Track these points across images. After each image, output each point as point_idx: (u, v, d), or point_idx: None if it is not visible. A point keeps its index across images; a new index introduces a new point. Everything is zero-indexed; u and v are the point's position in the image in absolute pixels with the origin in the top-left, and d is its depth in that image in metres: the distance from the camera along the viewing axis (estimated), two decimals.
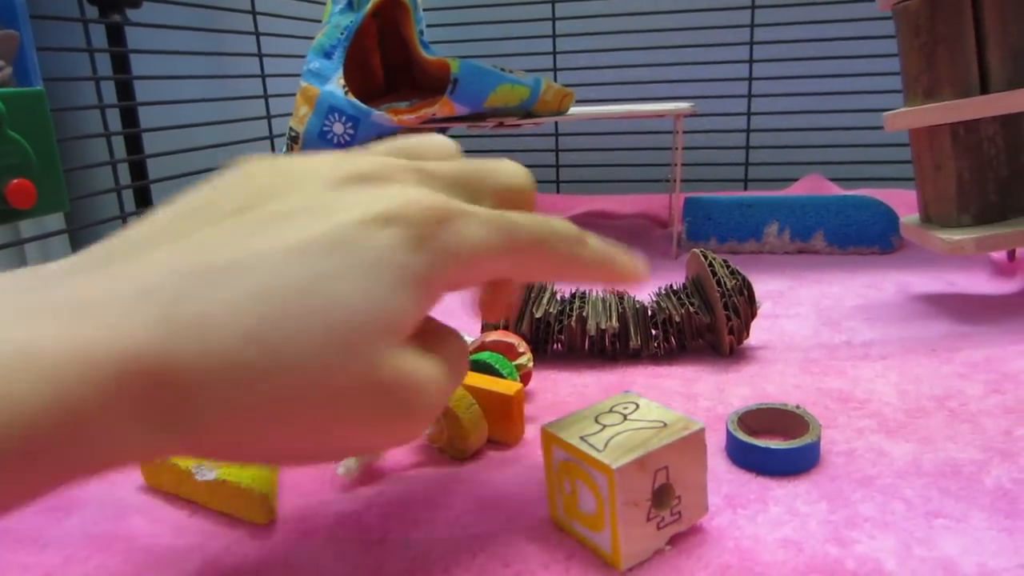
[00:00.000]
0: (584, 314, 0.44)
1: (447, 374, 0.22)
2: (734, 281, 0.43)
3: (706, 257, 0.44)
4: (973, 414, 0.36)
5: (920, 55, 0.50)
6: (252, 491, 0.29)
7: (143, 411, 0.17)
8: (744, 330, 0.44)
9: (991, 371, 0.40)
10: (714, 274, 0.43)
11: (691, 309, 0.43)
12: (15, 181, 0.44)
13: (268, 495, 0.29)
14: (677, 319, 0.43)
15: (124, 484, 0.33)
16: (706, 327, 0.44)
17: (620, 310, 0.44)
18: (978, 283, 0.59)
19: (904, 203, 0.77)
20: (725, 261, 0.44)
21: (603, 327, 0.43)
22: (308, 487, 0.32)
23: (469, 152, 0.36)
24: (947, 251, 0.49)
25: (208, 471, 0.30)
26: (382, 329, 0.20)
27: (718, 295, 0.42)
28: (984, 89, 0.49)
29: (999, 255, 0.62)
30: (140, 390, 0.17)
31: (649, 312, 0.44)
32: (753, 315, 0.44)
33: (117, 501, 0.32)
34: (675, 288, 0.46)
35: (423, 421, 0.21)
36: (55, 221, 1.16)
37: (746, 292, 0.43)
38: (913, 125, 0.51)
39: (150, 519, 0.30)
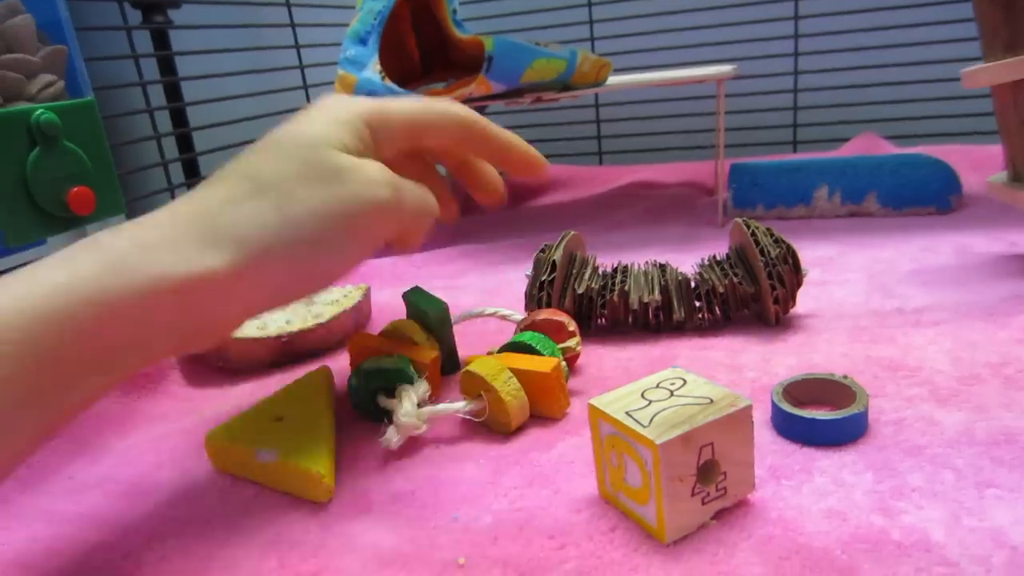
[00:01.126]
0: (626, 288, 0.44)
1: (390, 175, 0.32)
2: (778, 249, 0.42)
3: (748, 226, 0.44)
4: None
5: (998, 7, 0.48)
6: (311, 471, 0.31)
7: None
8: (790, 299, 0.43)
9: None
10: (757, 243, 0.42)
11: (735, 280, 0.43)
12: (75, 189, 0.46)
13: (326, 475, 0.31)
14: (721, 290, 0.43)
15: (194, 468, 0.35)
16: (751, 297, 0.44)
17: (663, 283, 0.44)
18: None
19: (966, 160, 0.75)
20: (769, 229, 0.44)
21: (646, 300, 0.44)
22: (364, 468, 0.33)
23: (508, 128, 0.37)
24: None
25: (269, 453, 0.32)
26: (326, 144, 0.31)
27: (761, 265, 0.42)
28: None
29: None
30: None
31: (692, 284, 0.44)
32: (799, 283, 0.43)
33: (189, 484, 0.34)
34: (718, 259, 0.46)
35: (371, 194, 0.31)
36: (114, 224, 1.21)
37: (791, 260, 0.42)
38: (995, 81, 0.48)
39: (221, 500, 0.32)
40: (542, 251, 0.45)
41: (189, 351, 0.31)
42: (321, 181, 0.30)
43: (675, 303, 0.44)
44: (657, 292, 0.44)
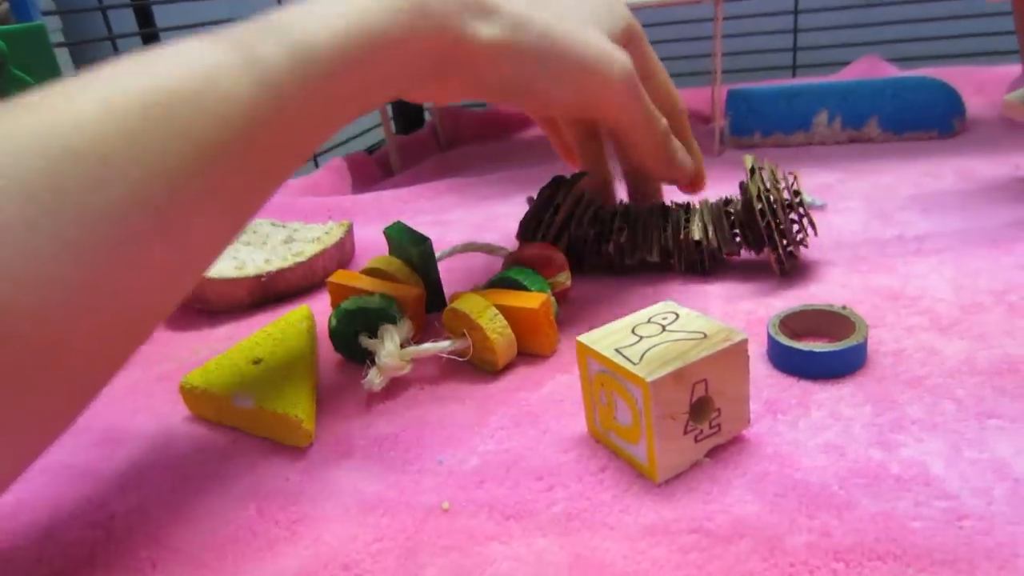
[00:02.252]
0: (624, 239, 0.41)
1: (633, 67, 0.36)
2: (785, 213, 0.38)
3: (754, 180, 0.39)
4: None
5: None
6: (290, 416, 0.30)
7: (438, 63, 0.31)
8: (796, 254, 0.40)
9: None
10: (764, 215, 0.38)
11: (736, 239, 0.41)
12: None
13: (305, 419, 0.30)
14: (726, 251, 0.41)
15: (170, 415, 0.34)
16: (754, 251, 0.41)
17: (663, 243, 0.41)
18: None
19: (970, 82, 0.72)
20: (774, 173, 0.40)
21: (650, 260, 0.41)
22: (345, 411, 0.32)
23: None
24: None
25: (246, 398, 0.31)
26: (595, 26, 0.36)
27: (777, 236, 0.38)
28: None
29: None
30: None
31: (697, 237, 0.40)
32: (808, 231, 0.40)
33: (165, 432, 0.33)
34: (727, 209, 0.41)
35: (616, 73, 0.35)
36: None
37: (802, 213, 0.39)
38: None
39: (196, 448, 0.31)
40: (554, 186, 0.42)
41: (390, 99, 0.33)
42: (584, 26, 0.35)
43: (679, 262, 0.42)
44: (656, 252, 0.41)
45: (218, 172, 0.24)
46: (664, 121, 0.39)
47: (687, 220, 0.41)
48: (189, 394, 0.33)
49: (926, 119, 0.66)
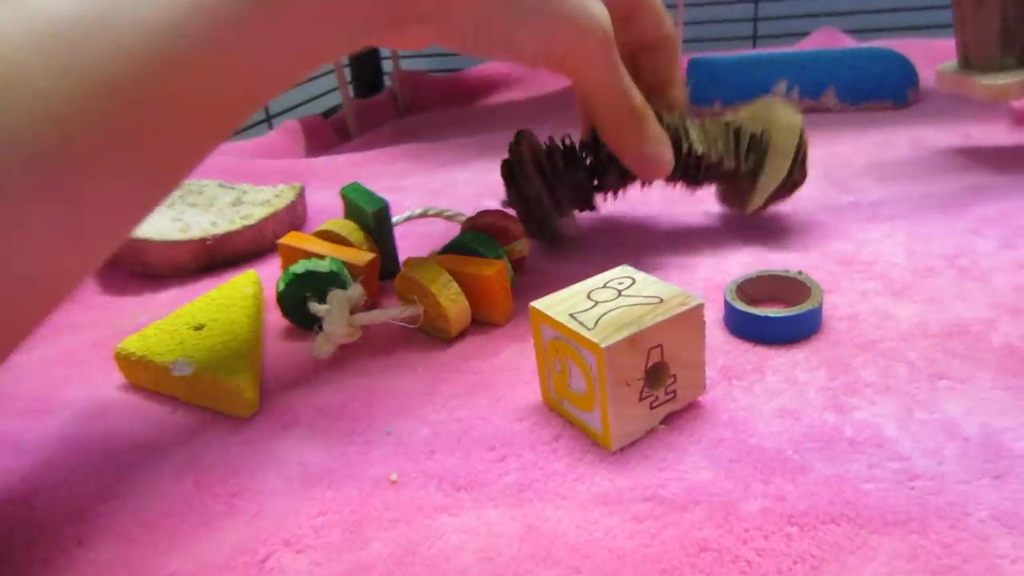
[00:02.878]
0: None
1: (610, 26, 0.32)
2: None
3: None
4: (984, 271, 0.34)
5: None
6: (231, 385, 0.28)
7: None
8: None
9: (1004, 226, 0.38)
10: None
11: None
12: None
13: (247, 388, 0.29)
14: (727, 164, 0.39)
15: (103, 384, 0.32)
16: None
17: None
18: (997, 134, 0.55)
19: (925, 53, 0.72)
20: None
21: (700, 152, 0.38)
22: (291, 379, 0.31)
23: None
24: (990, 97, 0.46)
25: (185, 366, 0.30)
26: None
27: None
28: None
29: (1020, 103, 0.58)
30: None
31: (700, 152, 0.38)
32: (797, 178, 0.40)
33: (96, 401, 0.31)
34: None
35: (592, 27, 0.31)
36: None
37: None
38: None
39: (130, 418, 0.30)
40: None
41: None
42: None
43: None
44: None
45: (125, 119, 0.21)
46: (642, 100, 0.35)
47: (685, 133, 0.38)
48: (125, 361, 0.31)
49: (881, 89, 0.66)
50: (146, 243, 0.42)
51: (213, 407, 0.30)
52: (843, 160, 0.53)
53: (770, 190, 0.38)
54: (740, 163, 0.39)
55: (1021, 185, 0.44)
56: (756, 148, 0.39)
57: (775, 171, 0.38)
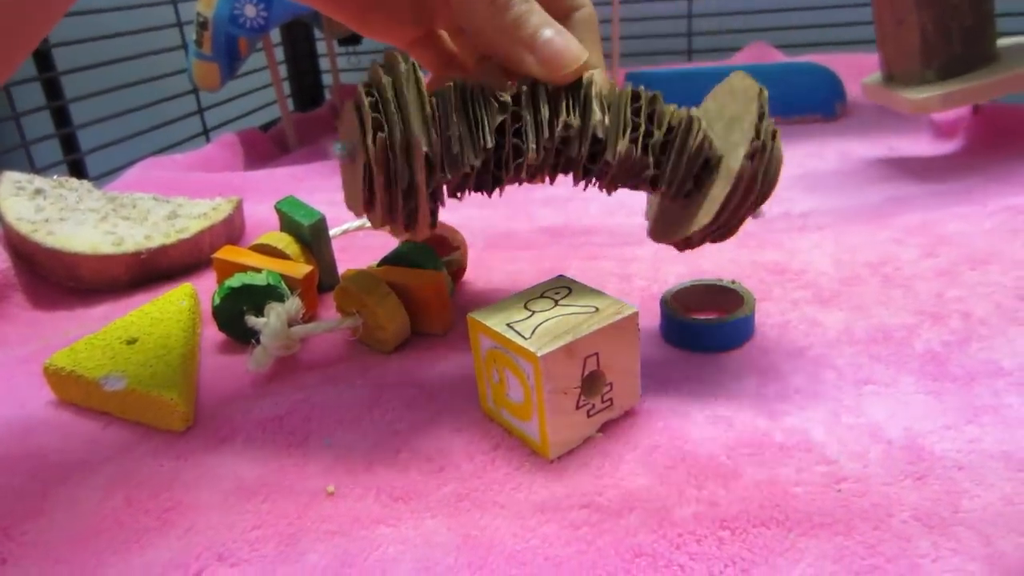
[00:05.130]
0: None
1: None
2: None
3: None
4: (907, 279, 0.36)
5: None
6: (164, 398, 0.28)
7: None
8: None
9: (926, 234, 0.40)
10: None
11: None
12: None
13: (181, 401, 0.28)
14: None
15: (32, 400, 0.31)
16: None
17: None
18: (919, 146, 0.58)
19: (851, 67, 0.75)
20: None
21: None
22: (228, 393, 0.31)
23: None
24: (913, 110, 0.48)
25: (117, 380, 0.29)
26: None
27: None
28: None
29: (940, 116, 0.61)
30: None
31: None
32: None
33: (25, 417, 0.30)
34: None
35: None
36: None
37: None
38: None
39: (60, 435, 0.29)
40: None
41: None
42: None
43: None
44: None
45: None
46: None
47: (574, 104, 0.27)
48: (54, 376, 0.30)
49: (810, 103, 0.68)
50: (78, 257, 0.41)
51: (147, 422, 0.29)
52: None
53: (700, 221, 0.27)
54: (663, 172, 0.27)
55: (941, 195, 0.46)
56: (684, 155, 0.27)
57: (711, 197, 0.27)
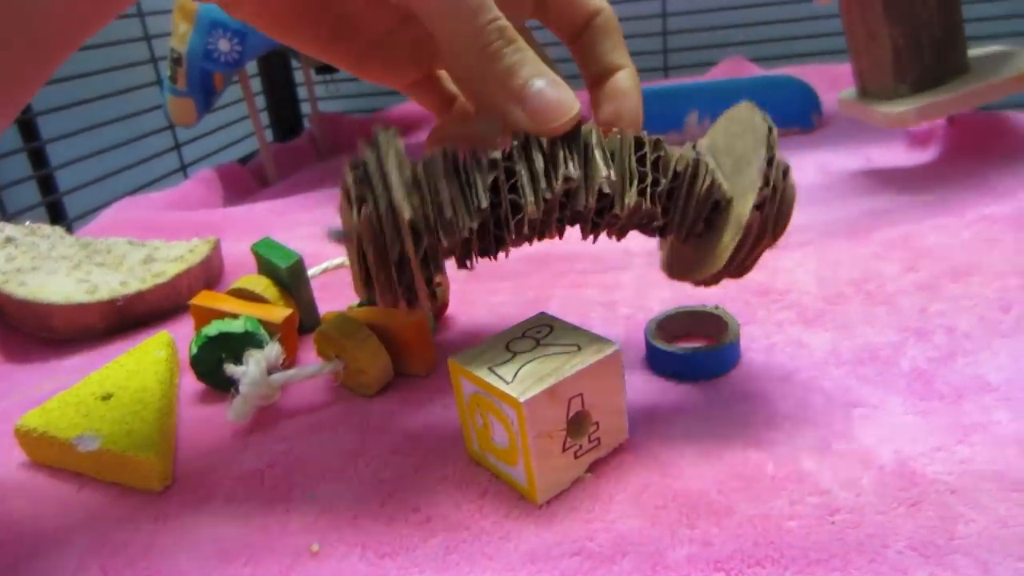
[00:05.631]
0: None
1: None
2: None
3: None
4: (889, 295, 0.35)
5: None
6: (140, 458, 0.27)
7: None
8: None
9: (907, 248, 0.40)
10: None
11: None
12: None
13: (159, 460, 0.27)
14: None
15: (5, 462, 0.30)
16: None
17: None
18: (896, 156, 0.58)
19: (827, 79, 0.76)
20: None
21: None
22: (208, 447, 0.30)
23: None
24: (889, 124, 0.48)
25: (91, 440, 0.28)
26: None
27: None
28: None
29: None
30: None
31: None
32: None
33: None
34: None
35: None
36: None
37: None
38: None
39: (33, 499, 0.28)
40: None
41: None
42: None
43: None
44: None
45: None
46: (495, 15, 0.25)
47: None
48: (26, 437, 0.30)
49: (787, 115, 0.69)
50: (51, 307, 0.40)
51: (123, 482, 0.28)
52: None
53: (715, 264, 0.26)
54: (672, 219, 0.27)
55: (918, 207, 0.46)
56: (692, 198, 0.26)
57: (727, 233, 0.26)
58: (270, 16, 0.29)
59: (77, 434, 0.28)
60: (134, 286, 0.42)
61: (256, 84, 0.92)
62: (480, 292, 0.41)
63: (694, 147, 0.27)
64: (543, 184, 0.25)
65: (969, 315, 0.33)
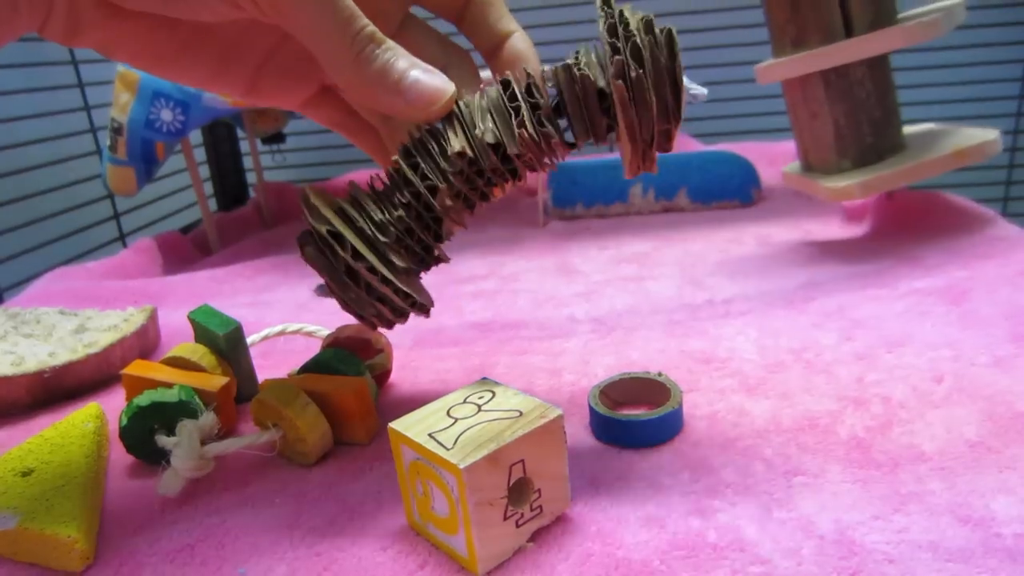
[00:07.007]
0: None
1: None
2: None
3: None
4: (827, 364, 0.36)
5: (785, 4, 0.50)
6: (61, 536, 0.26)
7: None
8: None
9: (843, 319, 0.41)
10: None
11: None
12: None
13: (80, 538, 0.26)
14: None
15: None
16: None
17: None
18: (831, 229, 0.61)
19: (763, 156, 0.79)
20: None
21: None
22: (135, 523, 0.29)
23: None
24: (833, 198, 0.50)
25: (8, 519, 0.26)
26: None
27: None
28: (848, 33, 0.49)
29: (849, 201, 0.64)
30: None
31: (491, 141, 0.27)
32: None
33: None
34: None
35: None
36: None
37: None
38: (786, 76, 0.51)
39: None
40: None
41: None
42: None
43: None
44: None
45: None
46: (361, 24, 0.26)
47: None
48: None
49: (728, 189, 0.71)
50: None
51: (42, 563, 0.26)
52: (697, 257, 0.56)
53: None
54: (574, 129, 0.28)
55: (854, 277, 0.47)
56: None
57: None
58: (151, 56, 0.29)
59: None
60: (63, 357, 0.41)
61: (200, 154, 0.92)
62: (426, 358, 0.41)
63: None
64: (443, 165, 0.27)
65: (903, 385, 0.34)
